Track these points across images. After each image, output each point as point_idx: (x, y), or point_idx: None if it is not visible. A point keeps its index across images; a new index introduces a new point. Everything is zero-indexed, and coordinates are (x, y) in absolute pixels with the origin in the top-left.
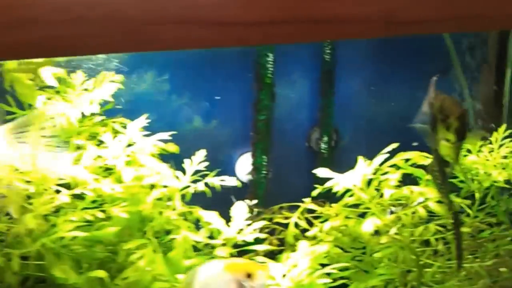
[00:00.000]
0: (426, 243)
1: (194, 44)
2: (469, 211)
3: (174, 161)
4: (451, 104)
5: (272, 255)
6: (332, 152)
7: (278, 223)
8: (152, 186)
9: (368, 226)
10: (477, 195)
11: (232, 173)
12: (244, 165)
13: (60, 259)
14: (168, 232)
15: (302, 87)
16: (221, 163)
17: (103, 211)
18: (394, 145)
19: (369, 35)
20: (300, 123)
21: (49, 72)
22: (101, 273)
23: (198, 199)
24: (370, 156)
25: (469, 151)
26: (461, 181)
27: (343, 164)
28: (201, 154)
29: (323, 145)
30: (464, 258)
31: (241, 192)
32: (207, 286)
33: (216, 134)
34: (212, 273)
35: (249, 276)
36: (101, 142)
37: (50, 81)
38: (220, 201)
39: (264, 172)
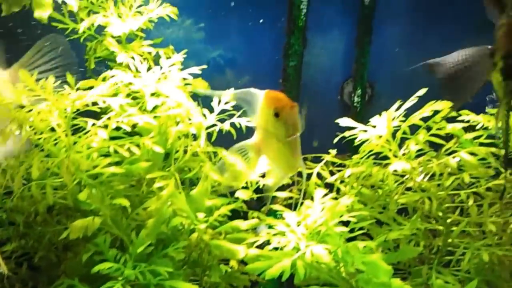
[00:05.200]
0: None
1: None
2: None
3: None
4: None
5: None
6: (365, 106)
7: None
8: (178, 122)
9: (395, 167)
10: None
11: None
12: None
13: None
14: (190, 170)
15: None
16: None
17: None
18: (422, 91)
19: None
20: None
21: None
22: (123, 202)
23: (223, 140)
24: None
25: None
26: None
27: None
28: (229, 92)
29: (356, 99)
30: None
31: None
32: None
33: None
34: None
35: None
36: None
37: None
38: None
39: None
